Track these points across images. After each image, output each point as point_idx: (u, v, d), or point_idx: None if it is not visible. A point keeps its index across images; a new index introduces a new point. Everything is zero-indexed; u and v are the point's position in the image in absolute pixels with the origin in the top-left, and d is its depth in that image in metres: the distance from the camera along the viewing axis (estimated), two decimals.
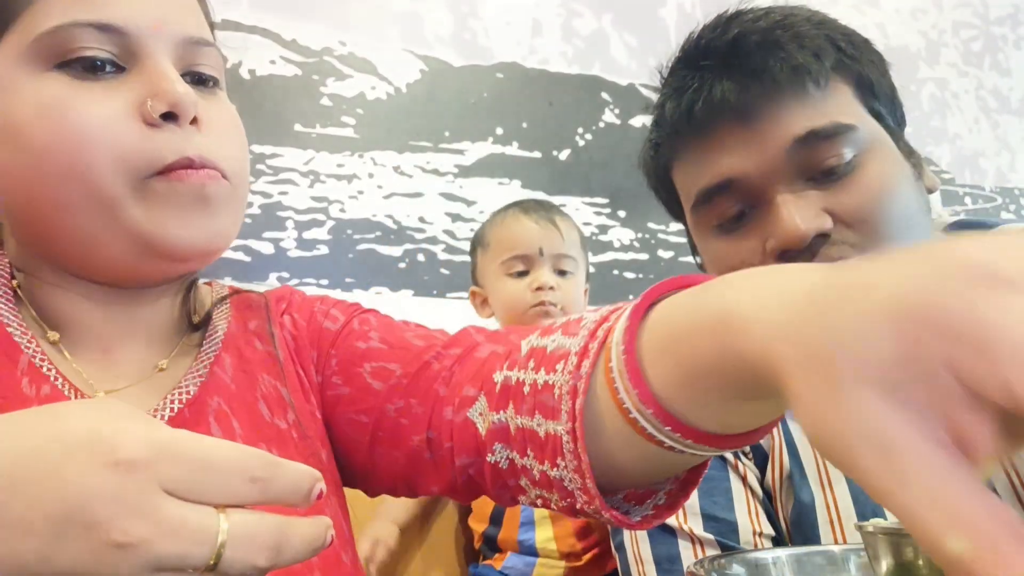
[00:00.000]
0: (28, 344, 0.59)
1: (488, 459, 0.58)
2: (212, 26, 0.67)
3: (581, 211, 2.17)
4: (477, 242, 1.65)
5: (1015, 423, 0.27)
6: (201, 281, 0.73)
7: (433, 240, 2.04)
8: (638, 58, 2.33)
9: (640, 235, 2.21)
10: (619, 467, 0.51)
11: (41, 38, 0.56)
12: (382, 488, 0.70)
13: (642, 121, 2.29)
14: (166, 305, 0.67)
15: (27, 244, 0.62)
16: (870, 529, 0.45)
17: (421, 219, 2.04)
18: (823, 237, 0.75)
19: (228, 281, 0.77)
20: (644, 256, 2.20)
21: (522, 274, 1.53)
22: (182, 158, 0.57)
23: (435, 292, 1.98)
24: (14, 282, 0.63)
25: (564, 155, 2.20)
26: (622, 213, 2.20)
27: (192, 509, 0.35)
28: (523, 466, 0.56)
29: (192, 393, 0.63)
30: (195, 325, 0.69)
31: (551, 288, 1.51)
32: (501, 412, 0.57)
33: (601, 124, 2.25)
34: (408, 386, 0.65)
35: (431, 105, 2.10)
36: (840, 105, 0.79)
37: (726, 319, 0.39)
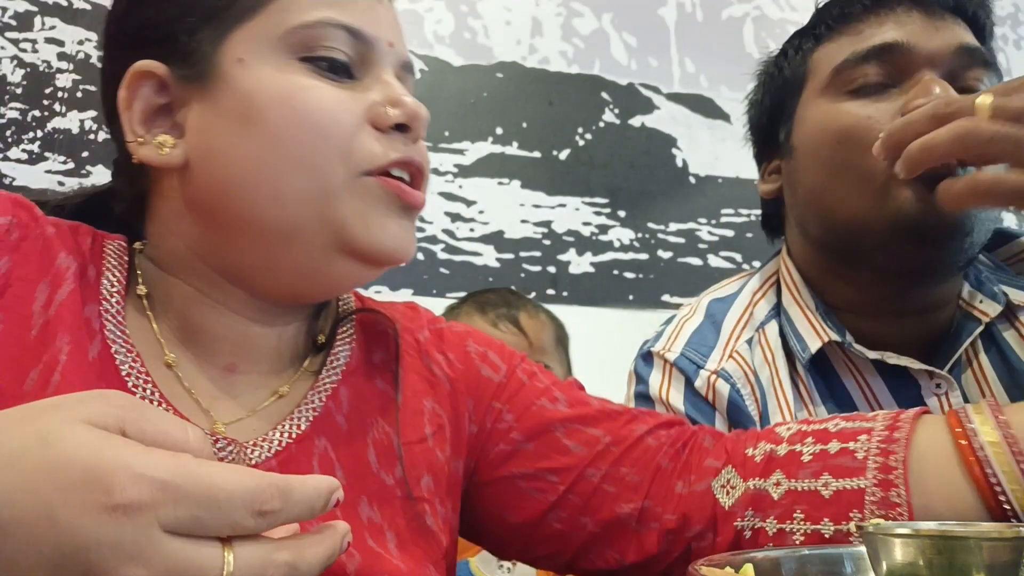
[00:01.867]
0: (131, 367, 0.57)
1: (736, 525, 0.63)
2: None
3: (581, 211, 2.17)
4: None
5: None
6: None
7: (433, 240, 2.04)
8: (638, 58, 2.33)
9: (640, 235, 2.21)
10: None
11: (295, 30, 0.58)
12: (535, 553, 0.69)
13: (641, 120, 2.29)
14: (299, 327, 0.66)
15: (199, 239, 0.60)
16: (870, 529, 0.45)
17: (421, 218, 2.04)
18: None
19: None
20: (644, 256, 2.20)
21: None
22: (404, 156, 0.60)
23: (434, 291, 1.98)
24: (140, 289, 0.61)
25: (564, 155, 2.20)
26: (622, 213, 2.20)
27: (195, 548, 0.33)
28: (779, 531, 0.61)
29: (303, 428, 0.61)
30: (319, 346, 0.67)
31: None
32: (759, 480, 0.63)
33: (601, 124, 2.25)
34: (621, 455, 0.67)
35: (431, 105, 2.06)
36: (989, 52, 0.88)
37: None
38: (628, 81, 2.30)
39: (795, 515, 0.60)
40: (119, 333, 0.58)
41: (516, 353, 0.75)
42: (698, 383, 0.88)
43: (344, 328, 0.69)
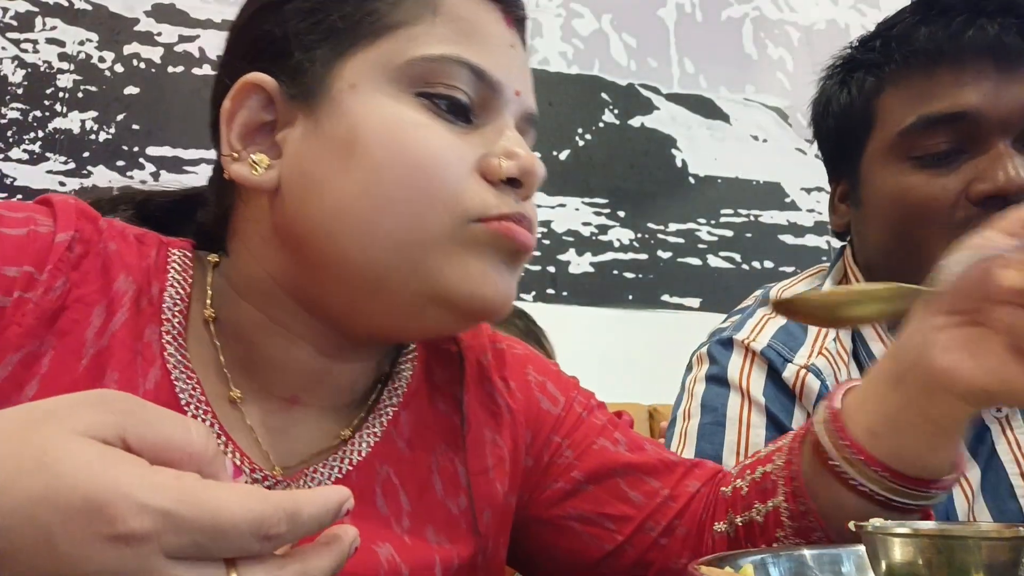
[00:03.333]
0: (192, 395, 0.54)
1: None
2: None
3: (581, 211, 2.17)
4: None
5: None
6: None
7: None
8: (637, 58, 2.33)
9: (639, 235, 2.21)
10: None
11: (416, 62, 0.54)
12: None
13: (641, 121, 2.29)
14: (371, 363, 0.62)
15: (282, 267, 0.56)
16: (870, 529, 0.45)
17: None
18: None
19: None
20: (643, 256, 2.20)
21: None
22: (515, 212, 0.55)
23: None
24: (207, 311, 0.58)
25: (564, 155, 2.20)
26: (621, 213, 2.20)
27: (199, 572, 0.32)
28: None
29: (363, 455, 0.59)
30: (383, 376, 0.64)
31: None
32: (724, 522, 0.64)
33: (601, 124, 2.25)
34: (679, 511, 0.66)
35: None
36: None
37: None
38: (628, 82, 2.30)
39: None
40: (180, 358, 0.55)
41: (570, 381, 0.73)
42: (786, 374, 0.86)
43: (407, 348, 0.66)
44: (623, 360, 1.93)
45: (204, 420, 0.54)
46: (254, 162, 0.55)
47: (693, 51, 2.38)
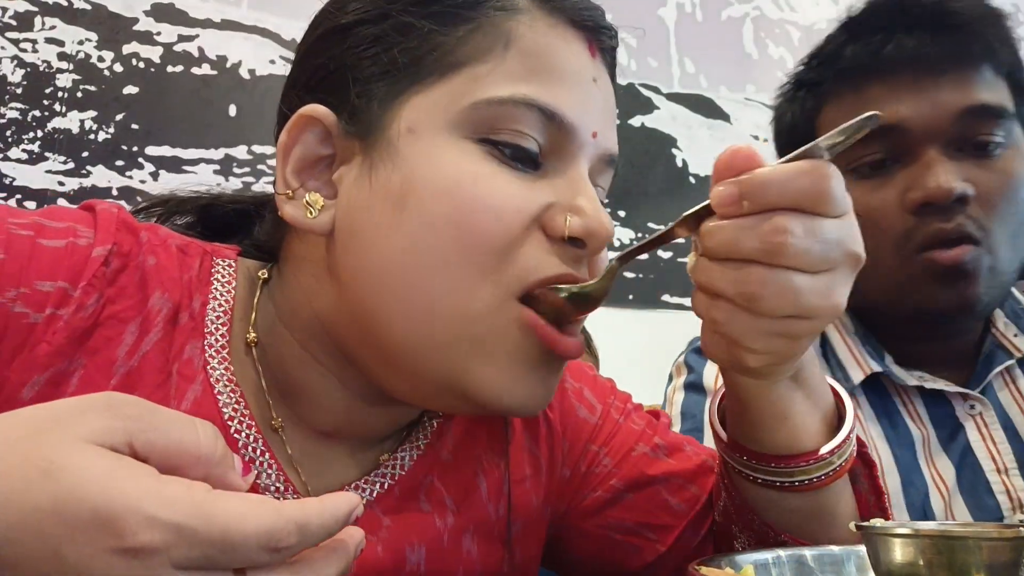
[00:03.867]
0: (234, 411, 0.53)
1: None
2: None
3: None
4: None
5: None
6: None
7: None
8: (638, 58, 2.33)
9: (640, 235, 2.21)
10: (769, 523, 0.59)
11: (480, 106, 0.50)
12: None
13: (641, 120, 2.29)
14: (411, 409, 0.60)
15: (326, 308, 0.54)
16: (870, 529, 0.45)
17: None
18: (962, 203, 0.80)
19: None
20: (643, 256, 2.20)
21: None
22: (565, 273, 0.51)
23: None
24: (250, 335, 0.55)
25: None
26: (622, 213, 2.20)
27: None
28: None
29: (406, 469, 0.58)
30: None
31: None
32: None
33: None
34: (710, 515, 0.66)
35: None
36: (1004, 95, 0.85)
37: None
38: (628, 81, 2.30)
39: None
40: (225, 374, 0.53)
41: (607, 387, 0.71)
42: None
43: None
44: (623, 360, 1.93)
45: (250, 441, 0.53)
46: (309, 203, 0.52)
47: (693, 51, 2.38)
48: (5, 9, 1.76)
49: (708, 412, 0.60)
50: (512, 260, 0.50)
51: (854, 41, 0.87)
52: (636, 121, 2.28)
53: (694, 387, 0.93)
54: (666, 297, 2.19)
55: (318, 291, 0.54)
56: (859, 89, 0.86)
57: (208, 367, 0.53)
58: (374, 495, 0.57)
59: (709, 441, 0.86)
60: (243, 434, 0.53)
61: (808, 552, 0.52)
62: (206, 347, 0.54)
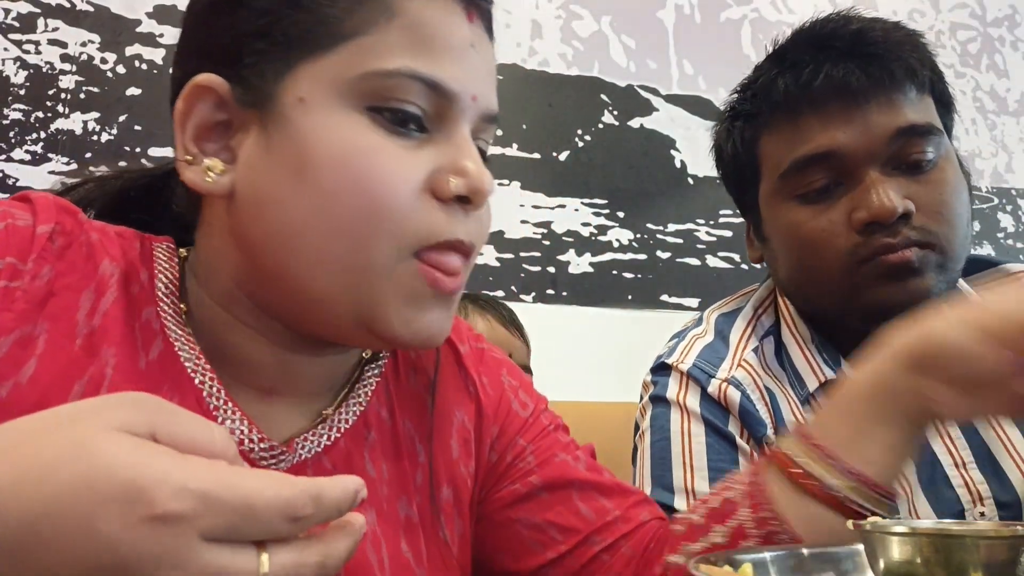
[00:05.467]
0: (197, 364, 0.56)
1: None
2: None
3: (580, 212, 2.18)
4: None
5: None
6: None
7: None
8: (637, 60, 2.33)
9: (638, 235, 2.21)
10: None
11: (368, 77, 0.53)
12: None
13: (640, 122, 2.29)
14: (345, 357, 0.64)
15: (239, 270, 0.57)
16: (869, 529, 0.46)
17: None
18: (905, 218, 0.84)
19: None
20: (642, 256, 2.21)
21: None
22: (455, 239, 0.55)
23: None
24: (182, 307, 0.58)
25: (563, 156, 2.20)
26: (621, 214, 2.21)
27: (232, 553, 0.34)
28: None
29: (351, 423, 0.61)
30: (364, 360, 0.66)
31: None
32: (673, 554, 0.65)
33: (600, 125, 2.26)
34: (626, 533, 0.68)
35: None
36: (930, 112, 0.90)
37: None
38: (627, 83, 2.30)
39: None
40: (181, 332, 0.56)
41: (541, 397, 0.76)
42: (711, 389, 0.92)
43: None
44: (623, 360, 1.94)
45: (212, 387, 0.56)
46: (208, 168, 0.55)
47: (692, 52, 2.39)
48: (8, 11, 1.76)
49: (798, 436, 0.63)
50: (409, 223, 0.53)
51: (784, 75, 0.92)
52: (635, 123, 2.29)
53: (660, 400, 0.96)
54: (664, 297, 2.20)
55: (228, 254, 0.57)
56: (794, 120, 0.90)
57: (166, 329, 0.56)
58: (321, 446, 0.59)
59: (676, 448, 0.91)
60: (207, 385, 0.56)
61: (806, 551, 0.53)
62: (160, 313, 0.57)
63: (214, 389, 0.56)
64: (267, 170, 0.54)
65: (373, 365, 0.66)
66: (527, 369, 1.48)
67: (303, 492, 0.35)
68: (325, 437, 0.60)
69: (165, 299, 0.57)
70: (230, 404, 0.56)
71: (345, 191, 0.52)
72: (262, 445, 0.56)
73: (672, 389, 0.95)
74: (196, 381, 0.55)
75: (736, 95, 1.01)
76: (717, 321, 1.03)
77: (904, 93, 0.88)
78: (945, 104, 0.93)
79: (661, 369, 0.99)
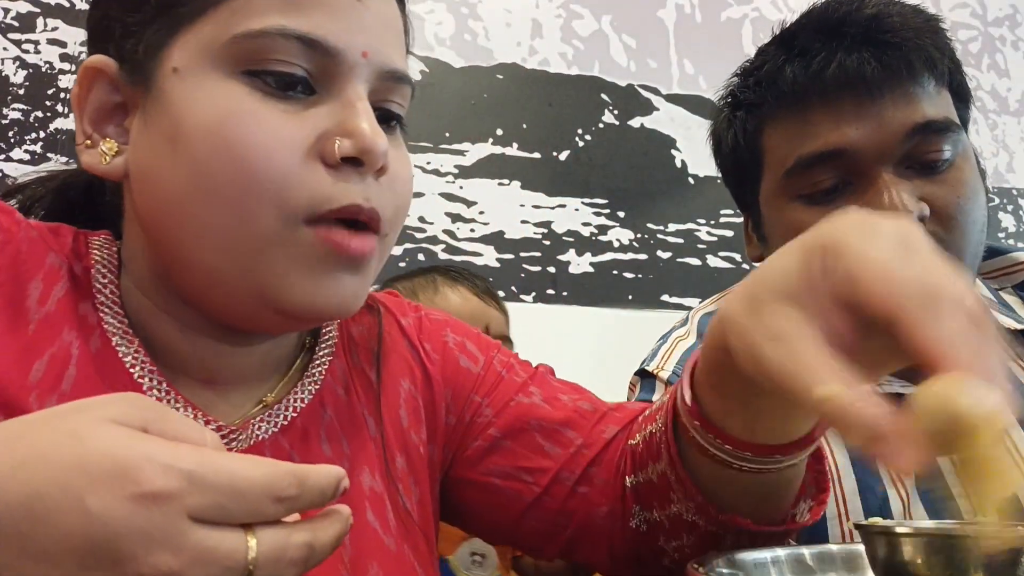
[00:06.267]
0: (135, 358, 0.55)
1: (631, 524, 0.63)
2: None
3: (580, 211, 2.18)
4: None
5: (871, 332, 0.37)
6: None
7: (433, 240, 2.04)
8: (637, 59, 2.33)
9: (639, 235, 2.21)
10: (721, 500, 0.57)
11: (239, 39, 0.50)
12: (522, 547, 0.70)
13: (640, 122, 2.29)
14: (277, 340, 0.62)
15: (150, 255, 0.56)
16: (869, 528, 0.46)
17: (421, 219, 2.05)
18: (919, 222, 0.77)
19: None
20: (643, 256, 2.21)
21: None
22: (350, 204, 0.52)
23: None
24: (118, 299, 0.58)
25: (564, 156, 2.20)
26: (621, 213, 2.21)
27: (220, 534, 0.34)
28: (657, 521, 0.61)
29: (306, 402, 0.60)
30: (307, 346, 0.65)
31: None
32: (631, 476, 0.63)
33: (600, 125, 2.26)
34: (593, 458, 0.66)
35: (431, 106, 2.10)
36: (948, 106, 0.83)
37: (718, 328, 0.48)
38: (627, 82, 2.30)
39: (654, 505, 0.61)
40: (119, 325, 0.55)
41: (492, 343, 0.74)
42: None
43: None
44: (623, 360, 1.94)
45: (155, 385, 0.55)
46: (103, 151, 0.54)
47: (692, 52, 2.39)
48: (7, 10, 1.76)
49: (680, 388, 0.56)
50: (296, 190, 0.50)
51: (792, 62, 0.83)
52: (635, 122, 2.28)
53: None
54: (665, 297, 2.20)
55: (140, 238, 0.56)
56: (802, 113, 0.83)
57: (103, 322, 0.55)
58: (278, 426, 0.58)
59: None
60: (146, 379, 0.55)
61: (807, 551, 0.53)
62: (97, 305, 0.56)
63: (155, 381, 0.55)
64: (147, 145, 0.53)
65: (323, 345, 0.65)
66: (506, 340, 1.42)
67: (288, 473, 0.36)
68: (281, 417, 0.59)
69: (101, 292, 0.56)
70: (173, 394, 0.55)
71: (217, 159, 0.50)
72: (213, 427, 0.55)
73: (655, 397, 0.93)
74: (135, 376, 0.54)
75: (737, 79, 0.92)
76: (701, 321, 0.99)
77: (922, 86, 0.81)
78: (963, 97, 0.86)
79: (644, 375, 0.96)
